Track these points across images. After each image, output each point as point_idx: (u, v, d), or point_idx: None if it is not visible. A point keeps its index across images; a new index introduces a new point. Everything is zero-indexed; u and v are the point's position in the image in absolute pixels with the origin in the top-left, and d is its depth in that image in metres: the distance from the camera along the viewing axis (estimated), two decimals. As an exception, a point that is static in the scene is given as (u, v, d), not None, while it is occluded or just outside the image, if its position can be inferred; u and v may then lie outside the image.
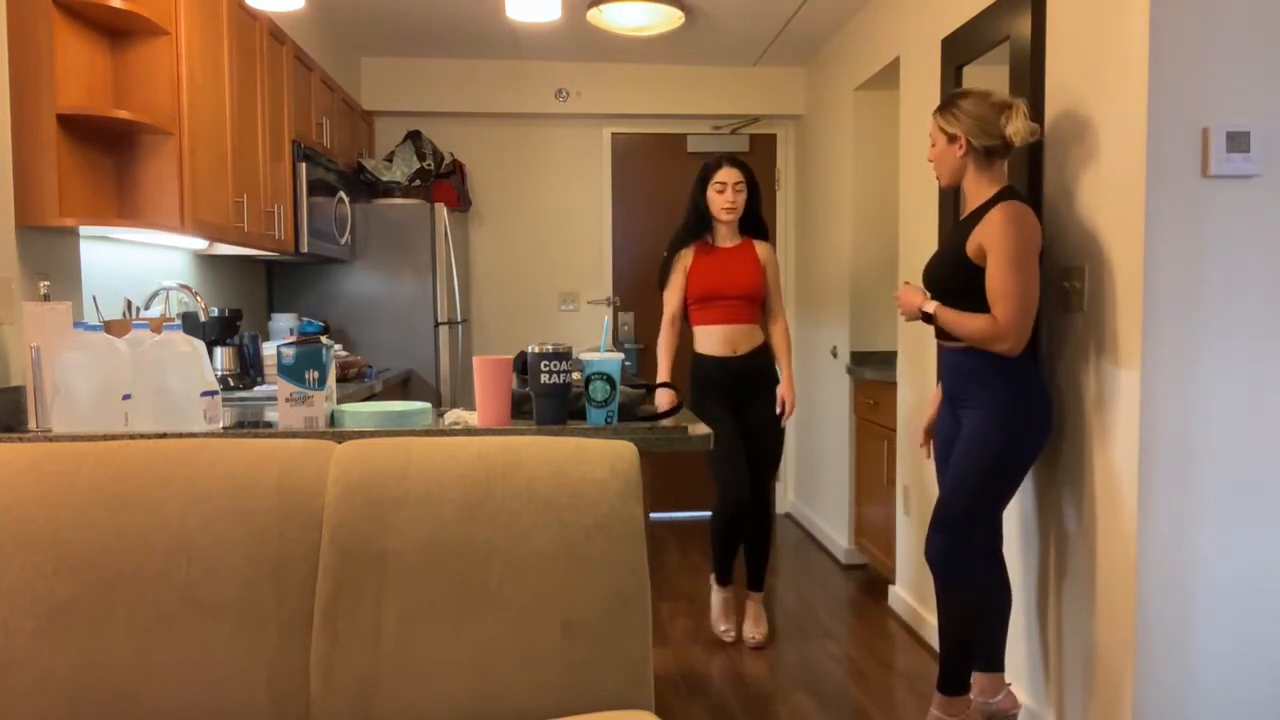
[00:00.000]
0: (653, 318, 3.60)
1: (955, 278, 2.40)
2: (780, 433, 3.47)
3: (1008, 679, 2.72)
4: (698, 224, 3.45)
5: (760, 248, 3.47)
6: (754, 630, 3.50)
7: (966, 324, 2.35)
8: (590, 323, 5.40)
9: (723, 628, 3.52)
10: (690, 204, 3.47)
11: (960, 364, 2.44)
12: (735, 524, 3.42)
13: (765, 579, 3.60)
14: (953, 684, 2.48)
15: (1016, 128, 2.35)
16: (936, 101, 3.26)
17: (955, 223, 2.53)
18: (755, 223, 3.48)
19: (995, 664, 2.59)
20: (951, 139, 2.43)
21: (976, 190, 2.44)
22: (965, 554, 2.43)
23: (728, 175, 3.36)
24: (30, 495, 1.50)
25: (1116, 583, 2.27)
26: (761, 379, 3.43)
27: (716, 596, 3.57)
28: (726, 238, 3.45)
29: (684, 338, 3.51)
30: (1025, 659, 2.72)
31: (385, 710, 1.48)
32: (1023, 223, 2.29)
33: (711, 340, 3.40)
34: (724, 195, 3.36)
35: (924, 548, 2.49)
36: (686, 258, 3.44)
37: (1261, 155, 2.15)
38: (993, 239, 2.30)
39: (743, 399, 3.41)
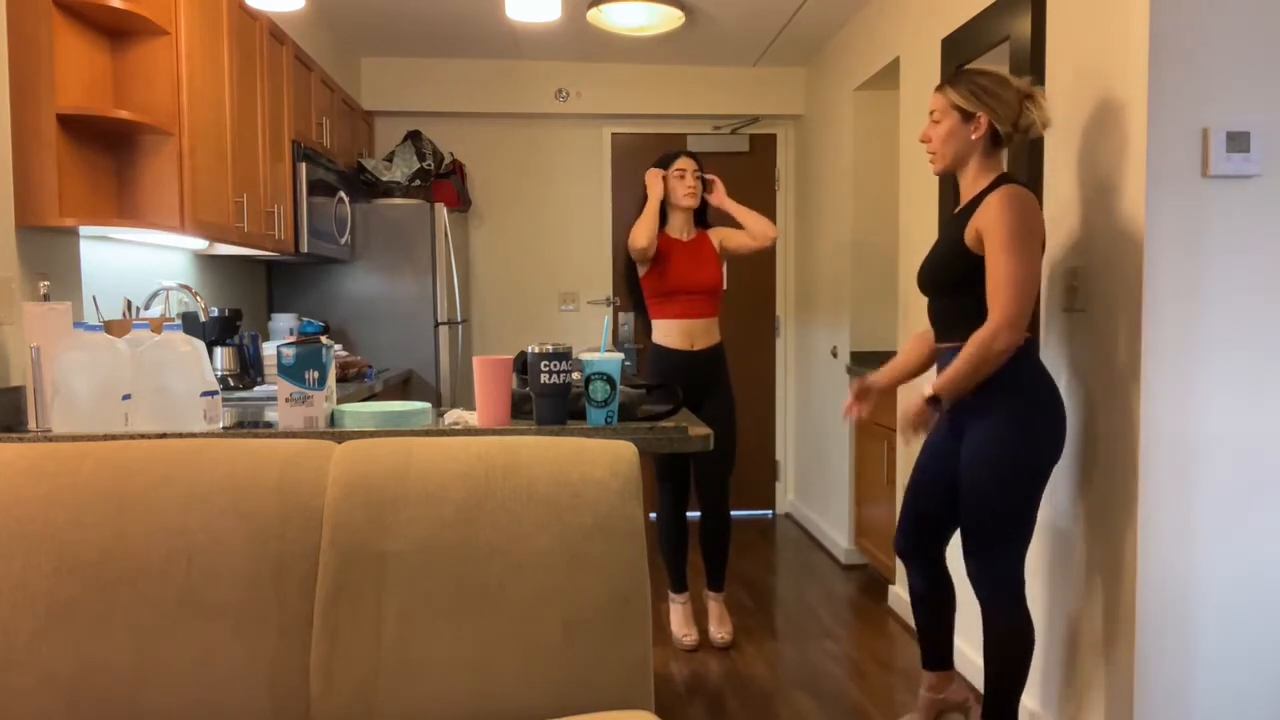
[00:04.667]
0: (652, 318, 3.63)
1: (954, 270, 2.27)
2: (733, 431, 3.51)
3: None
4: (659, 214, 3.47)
5: (714, 238, 3.53)
6: (720, 630, 3.51)
7: (971, 363, 2.16)
8: (590, 323, 5.40)
9: (684, 633, 3.48)
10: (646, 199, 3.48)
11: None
12: (684, 523, 3.54)
13: (725, 579, 3.64)
14: (1009, 712, 2.29)
15: (1043, 118, 2.23)
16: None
17: (951, 216, 2.41)
18: (705, 214, 3.56)
19: (946, 663, 2.56)
20: (968, 117, 2.25)
21: (975, 179, 2.30)
22: (1008, 574, 2.24)
23: (686, 163, 3.44)
24: (30, 495, 1.50)
25: (1117, 582, 2.27)
26: (716, 376, 3.48)
27: (676, 606, 3.56)
28: (683, 229, 3.49)
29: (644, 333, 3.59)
30: (1025, 659, 2.72)
31: (385, 710, 1.48)
32: (1023, 204, 2.15)
33: (671, 334, 3.44)
34: (685, 181, 3.42)
35: (967, 575, 2.32)
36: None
37: (1261, 155, 2.15)
38: (990, 223, 2.16)
39: (699, 395, 3.45)
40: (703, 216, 3.54)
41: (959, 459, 2.34)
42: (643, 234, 3.33)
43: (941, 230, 2.45)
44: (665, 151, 3.56)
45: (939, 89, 2.32)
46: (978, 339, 2.16)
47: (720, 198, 3.49)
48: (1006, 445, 2.20)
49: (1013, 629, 2.25)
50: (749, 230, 3.44)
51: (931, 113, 2.33)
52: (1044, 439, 2.21)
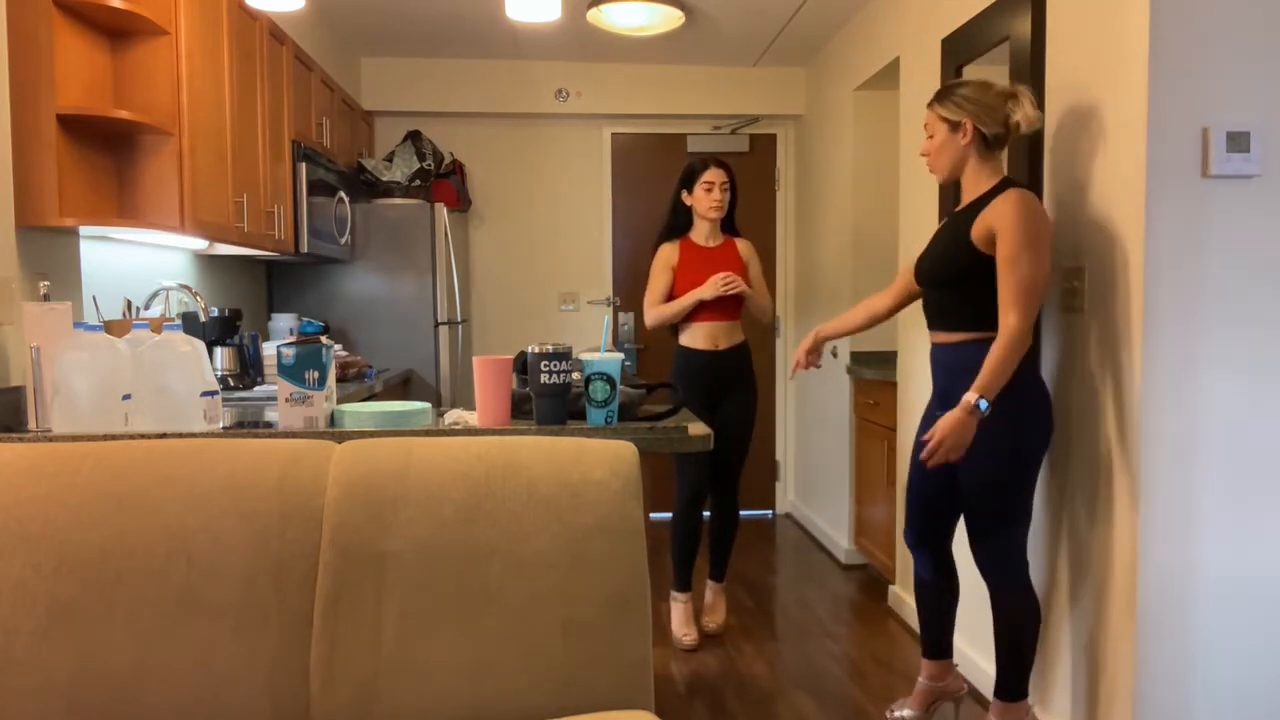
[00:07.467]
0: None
1: (956, 267, 2.33)
2: (750, 428, 3.58)
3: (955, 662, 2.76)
4: (684, 224, 3.54)
5: (742, 246, 3.57)
6: (712, 617, 3.57)
7: (1007, 361, 2.22)
8: (590, 323, 5.40)
9: (684, 633, 3.47)
10: (674, 204, 3.55)
11: (955, 360, 2.36)
12: (698, 521, 3.56)
13: (727, 571, 3.69)
14: (1019, 689, 2.40)
15: (1026, 114, 2.30)
16: (936, 101, 3.25)
17: (951, 214, 2.48)
18: (732, 221, 3.58)
19: (946, 652, 2.66)
20: (955, 127, 2.35)
21: (976, 182, 2.37)
22: (1011, 556, 2.35)
23: (715, 175, 3.45)
24: (30, 495, 1.50)
25: (1116, 582, 2.27)
26: (739, 374, 3.52)
27: (678, 605, 3.56)
28: (709, 237, 3.52)
29: (666, 339, 3.63)
30: (1025, 659, 2.72)
31: (385, 710, 1.48)
32: (1035, 208, 2.23)
33: (696, 335, 3.48)
34: (712, 194, 3.44)
35: (974, 560, 2.42)
36: (672, 256, 3.50)
37: (1261, 155, 2.15)
38: (1005, 227, 2.22)
39: (721, 392, 3.50)
40: (730, 223, 3.56)
41: None
42: (651, 321, 3.47)
43: (943, 226, 2.48)
44: (694, 160, 3.49)
45: (929, 105, 2.44)
46: (1007, 341, 2.22)
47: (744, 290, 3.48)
48: (1002, 438, 2.29)
49: (1020, 608, 2.36)
50: (750, 302, 3.49)
51: (926, 127, 2.46)
52: (1034, 428, 2.32)
